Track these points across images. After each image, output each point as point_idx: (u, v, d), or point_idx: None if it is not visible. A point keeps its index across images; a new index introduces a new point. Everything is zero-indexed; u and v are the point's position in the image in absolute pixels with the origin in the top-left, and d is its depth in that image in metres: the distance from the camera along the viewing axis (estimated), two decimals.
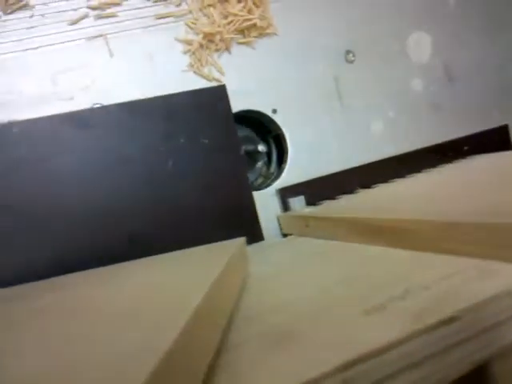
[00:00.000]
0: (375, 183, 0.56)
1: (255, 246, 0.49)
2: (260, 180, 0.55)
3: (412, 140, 0.59)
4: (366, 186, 0.55)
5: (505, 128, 0.63)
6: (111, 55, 0.46)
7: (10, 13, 0.42)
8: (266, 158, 0.56)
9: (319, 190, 0.53)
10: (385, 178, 0.56)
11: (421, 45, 0.60)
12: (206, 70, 0.50)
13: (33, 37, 0.44)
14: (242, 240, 0.39)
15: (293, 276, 0.34)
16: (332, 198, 0.53)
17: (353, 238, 0.38)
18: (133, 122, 0.46)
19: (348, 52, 0.56)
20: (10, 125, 0.42)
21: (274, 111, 0.53)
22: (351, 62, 0.56)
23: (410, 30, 0.60)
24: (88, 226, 0.44)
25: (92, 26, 0.46)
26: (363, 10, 0.57)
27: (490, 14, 0.64)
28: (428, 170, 0.58)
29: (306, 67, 0.54)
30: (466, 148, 0.61)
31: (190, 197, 0.48)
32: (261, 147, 0.52)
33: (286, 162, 0.53)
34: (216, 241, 0.48)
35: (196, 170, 0.48)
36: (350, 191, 0.54)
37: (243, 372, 0.21)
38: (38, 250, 0.43)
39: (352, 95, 0.56)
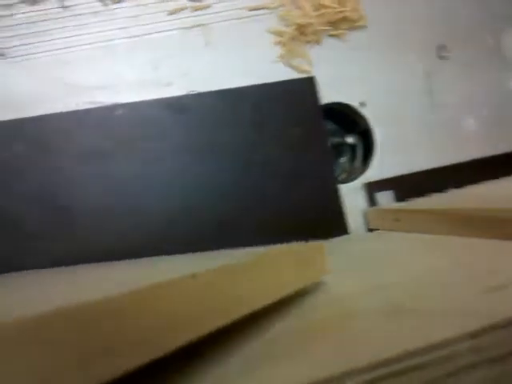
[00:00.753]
0: (466, 184, 0.53)
1: (341, 238, 0.48)
2: (343, 175, 0.54)
3: (507, 141, 0.56)
4: (457, 186, 0.53)
5: None
6: (207, 44, 0.48)
7: (118, 2, 0.44)
8: (350, 153, 0.55)
9: (407, 186, 0.51)
10: (477, 180, 0.54)
11: None
12: (295, 62, 0.50)
13: (137, 25, 0.46)
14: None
15: (392, 262, 0.32)
16: (421, 195, 0.51)
17: (457, 231, 0.36)
18: (224, 109, 0.47)
19: (441, 47, 0.54)
20: (114, 107, 0.44)
21: (362, 104, 0.52)
22: (444, 57, 0.55)
23: (505, 26, 0.57)
24: (176, 208, 0.45)
25: (189, 17, 0.48)
26: (457, 1, 0.55)
27: None
28: None
29: (397, 61, 0.53)
30: None
31: (276, 187, 0.48)
32: (349, 139, 0.51)
33: (372, 156, 0.52)
34: (300, 232, 0.48)
35: (282, 160, 0.48)
36: (440, 190, 0.52)
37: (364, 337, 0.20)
38: (135, 228, 0.44)
39: (443, 92, 0.54)
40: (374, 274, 0.30)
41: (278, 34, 0.49)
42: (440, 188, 0.52)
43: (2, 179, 0.43)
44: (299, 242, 0.30)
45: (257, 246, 0.37)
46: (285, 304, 0.25)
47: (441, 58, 0.54)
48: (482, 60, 0.56)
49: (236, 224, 0.47)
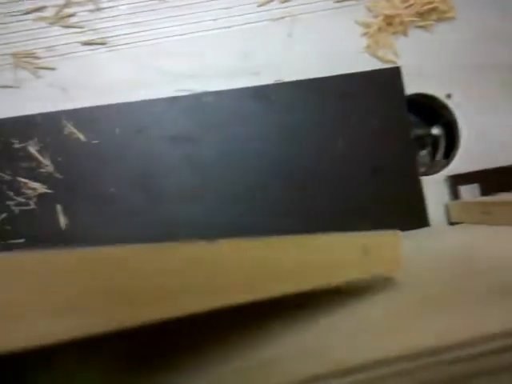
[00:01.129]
0: None
1: (424, 230, 0.47)
2: (424, 168, 0.54)
3: None
4: None
5: None
6: (294, 35, 0.49)
7: None
8: (432, 146, 0.54)
9: (494, 181, 0.50)
10: None
11: None
12: (381, 52, 0.50)
13: (228, 16, 0.48)
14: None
15: (493, 246, 0.32)
16: (506, 190, 0.50)
17: None
18: (309, 98, 0.48)
19: None
20: (203, 94, 0.47)
21: (448, 96, 0.51)
22: None
23: None
24: (257, 190, 0.47)
25: (278, 8, 0.49)
26: None
27: None
28: None
29: (485, 53, 0.52)
30: None
31: (357, 177, 0.48)
32: (435, 130, 0.50)
33: (457, 148, 0.51)
34: (379, 223, 0.48)
35: (365, 150, 0.49)
36: None
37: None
38: (220, 206, 0.46)
39: None
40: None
41: (366, 25, 0.50)
42: None
43: (101, 160, 0.46)
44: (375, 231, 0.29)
45: None
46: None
47: None
48: None
49: (314, 212, 0.48)
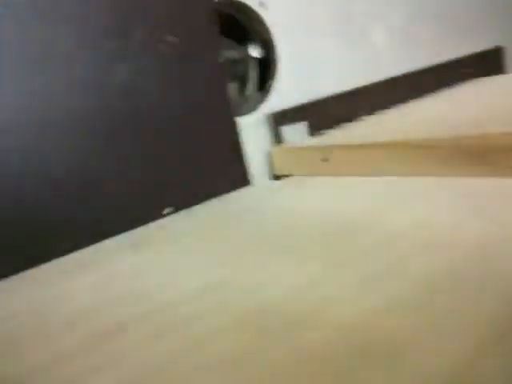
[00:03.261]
0: (378, 109, 0.45)
1: (244, 193, 0.35)
2: (235, 98, 0.41)
3: (414, 56, 0.48)
4: (369, 112, 0.44)
5: (499, 49, 0.56)
6: None
7: None
8: (242, 73, 0.41)
9: (318, 115, 0.41)
10: (388, 102, 0.46)
11: None
12: None
13: None
14: None
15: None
16: (331, 127, 0.42)
17: (429, 169, 0.27)
18: (67, 5, 0.29)
19: None
20: None
21: (262, 4, 0.38)
22: None
23: None
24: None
25: None
26: None
27: None
28: (430, 93, 0.48)
29: None
30: (464, 70, 0.52)
31: (150, 122, 0.33)
32: (254, 51, 0.37)
33: (273, 77, 0.40)
34: (196, 183, 0.35)
35: (157, 82, 0.33)
36: (353, 118, 0.43)
37: None
38: None
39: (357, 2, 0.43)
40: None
41: None
42: (352, 116, 0.43)
43: None
44: None
45: None
46: None
47: None
48: None
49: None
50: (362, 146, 0.30)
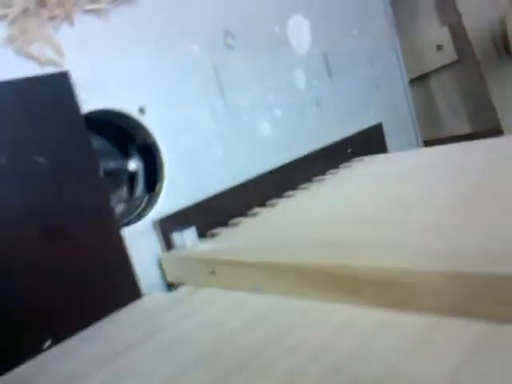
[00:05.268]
0: (269, 198, 0.45)
1: (136, 309, 0.33)
2: (122, 206, 0.40)
3: (299, 142, 0.50)
4: (261, 202, 0.45)
5: (379, 126, 0.60)
6: None
7: None
8: (128, 180, 0.40)
9: (208, 214, 0.40)
10: (278, 191, 0.47)
11: (301, 30, 0.51)
12: (35, 48, 0.32)
13: None
14: None
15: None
16: (224, 222, 0.41)
17: (304, 291, 0.27)
18: None
19: (227, 33, 0.44)
20: None
21: (142, 111, 0.38)
22: (231, 46, 0.44)
23: (289, 13, 0.50)
24: None
25: None
26: None
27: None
28: (319, 177, 0.50)
29: (177, 52, 0.40)
30: (349, 150, 0.55)
31: (22, 248, 0.30)
32: (132, 164, 0.36)
33: (162, 181, 0.39)
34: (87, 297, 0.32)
35: (27, 206, 0.31)
36: (244, 211, 0.43)
37: None
38: None
39: (235, 89, 0.44)
40: None
41: (3, 4, 0.30)
42: (245, 209, 0.43)
43: None
44: None
45: None
46: None
47: (228, 47, 0.44)
48: (269, 50, 0.48)
49: None
50: (237, 263, 0.30)
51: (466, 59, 0.80)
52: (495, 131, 0.79)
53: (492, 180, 0.34)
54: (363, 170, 0.50)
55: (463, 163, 0.41)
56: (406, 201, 0.34)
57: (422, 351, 0.20)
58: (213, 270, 0.33)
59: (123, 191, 0.39)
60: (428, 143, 0.75)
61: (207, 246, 0.36)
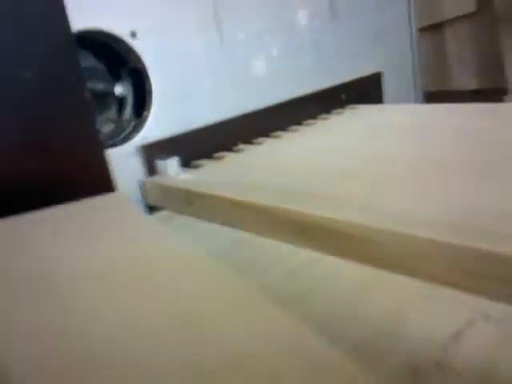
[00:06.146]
0: (255, 136, 0.46)
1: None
2: (110, 127, 0.40)
3: (294, 83, 0.50)
4: (247, 140, 0.45)
5: (377, 75, 0.59)
6: None
7: None
8: (117, 102, 0.41)
9: (193, 146, 0.41)
10: (265, 130, 0.47)
11: None
12: None
13: None
14: None
15: None
16: (209, 155, 0.42)
17: (268, 232, 0.29)
18: None
19: None
20: None
21: (133, 35, 0.37)
22: None
23: None
24: None
25: None
26: None
27: None
28: (309, 121, 0.50)
29: None
30: (344, 97, 0.55)
31: (8, 162, 0.32)
32: (118, 89, 0.36)
33: (149, 107, 0.39)
34: None
35: (16, 120, 0.32)
36: (230, 146, 0.44)
37: None
38: None
39: (233, 25, 0.44)
40: None
41: None
42: (230, 144, 0.44)
43: None
44: None
45: None
46: None
47: None
48: None
49: None
50: (211, 197, 0.32)
51: (485, 11, 0.78)
52: (502, 90, 0.78)
53: (469, 147, 0.34)
54: (353, 119, 0.50)
55: (449, 126, 0.41)
56: (383, 157, 0.35)
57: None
58: (190, 201, 0.34)
59: (113, 112, 0.40)
60: (432, 95, 0.74)
61: (187, 177, 0.37)
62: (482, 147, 0.33)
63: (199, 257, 0.20)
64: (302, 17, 0.50)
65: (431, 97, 0.74)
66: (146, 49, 0.38)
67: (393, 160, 0.33)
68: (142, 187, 0.38)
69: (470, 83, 0.85)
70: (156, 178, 0.38)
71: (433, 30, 0.83)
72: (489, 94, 0.82)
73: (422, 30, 0.75)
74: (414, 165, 0.32)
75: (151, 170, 0.39)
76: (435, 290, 0.21)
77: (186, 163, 0.40)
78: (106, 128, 0.40)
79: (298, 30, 0.50)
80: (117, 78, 0.40)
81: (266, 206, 0.28)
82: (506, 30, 0.76)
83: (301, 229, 0.26)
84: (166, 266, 0.20)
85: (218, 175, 0.37)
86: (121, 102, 0.40)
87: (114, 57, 0.38)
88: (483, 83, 0.84)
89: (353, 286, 0.22)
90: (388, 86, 0.60)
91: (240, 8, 0.44)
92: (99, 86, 0.37)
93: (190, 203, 0.34)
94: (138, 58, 0.38)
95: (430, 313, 0.19)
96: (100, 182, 0.36)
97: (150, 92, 0.39)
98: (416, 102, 0.67)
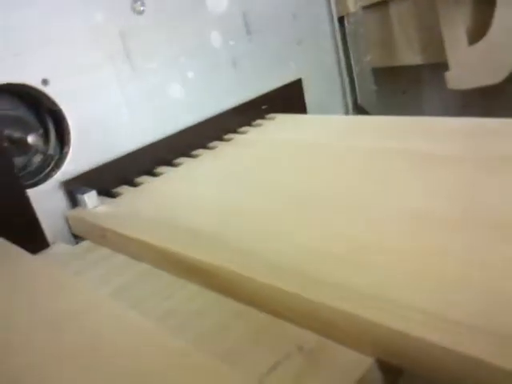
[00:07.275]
0: (177, 157, 0.50)
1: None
2: (38, 158, 0.43)
3: (213, 102, 0.54)
4: (168, 162, 0.49)
5: (299, 82, 0.63)
6: None
7: None
8: (42, 138, 0.44)
9: (114, 174, 0.45)
10: (186, 150, 0.51)
11: None
12: None
13: None
14: None
15: None
16: (131, 182, 0.46)
17: (164, 267, 0.33)
18: None
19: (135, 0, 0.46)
20: None
21: (45, 82, 0.41)
22: (140, 12, 0.46)
23: None
24: None
25: None
26: None
27: None
28: (229, 134, 0.55)
29: (81, 19, 0.42)
30: (264, 107, 0.59)
31: None
32: (31, 138, 0.40)
33: (68, 145, 0.43)
34: None
35: None
36: (151, 169, 0.48)
37: None
38: None
39: (144, 54, 0.47)
40: None
41: None
42: (150, 169, 0.48)
43: None
44: None
45: None
46: None
47: (137, 13, 0.46)
48: (182, 14, 0.50)
49: None
50: (118, 234, 0.36)
51: None
52: (445, 65, 0.80)
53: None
54: (266, 134, 0.53)
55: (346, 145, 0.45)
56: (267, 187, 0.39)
57: None
58: (103, 235, 0.39)
59: (33, 152, 0.43)
60: (379, 71, 0.78)
61: (103, 210, 0.41)
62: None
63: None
64: (217, 38, 0.53)
65: (379, 73, 0.77)
66: (58, 93, 0.41)
67: (275, 191, 0.38)
68: (67, 220, 0.43)
69: (415, 59, 0.89)
70: (76, 211, 0.42)
71: (377, 6, 0.84)
72: (433, 68, 0.85)
73: (366, 7, 0.77)
74: (294, 197, 0.36)
75: (74, 203, 0.43)
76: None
77: (107, 192, 0.44)
78: (36, 159, 0.43)
79: (213, 50, 0.53)
80: (40, 119, 0.43)
81: (154, 245, 0.33)
82: (443, 5, 0.78)
83: (184, 267, 0.31)
84: None
85: (130, 207, 0.41)
86: (46, 138, 0.43)
87: (34, 101, 0.42)
88: (427, 58, 0.87)
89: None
90: (315, 91, 0.64)
91: (150, 36, 0.47)
92: (16, 133, 0.40)
93: (104, 237, 0.38)
94: (52, 102, 0.41)
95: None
96: (25, 223, 0.40)
97: (67, 130, 0.43)
98: (347, 105, 0.71)
